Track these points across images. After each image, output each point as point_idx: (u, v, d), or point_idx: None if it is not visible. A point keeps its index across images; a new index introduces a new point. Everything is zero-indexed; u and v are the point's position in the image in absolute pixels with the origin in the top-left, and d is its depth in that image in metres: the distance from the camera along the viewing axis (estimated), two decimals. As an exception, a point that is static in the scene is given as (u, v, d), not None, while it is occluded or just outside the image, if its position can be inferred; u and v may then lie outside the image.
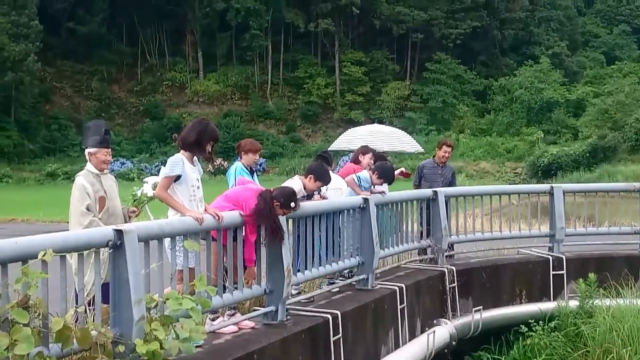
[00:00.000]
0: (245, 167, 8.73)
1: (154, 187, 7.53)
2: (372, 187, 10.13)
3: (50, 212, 25.83)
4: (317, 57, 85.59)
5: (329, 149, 14.41)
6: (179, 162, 6.73)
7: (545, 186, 14.21)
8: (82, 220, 7.17)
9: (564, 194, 13.27)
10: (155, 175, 7.92)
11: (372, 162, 10.74)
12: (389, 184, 10.30)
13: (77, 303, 5.40)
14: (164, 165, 6.98)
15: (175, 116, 76.48)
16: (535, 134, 71.79)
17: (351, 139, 15.15)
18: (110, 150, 7.68)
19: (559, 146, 66.65)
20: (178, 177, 6.70)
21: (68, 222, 7.43)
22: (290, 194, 7.29)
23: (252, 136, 72.05)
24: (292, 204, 7.22)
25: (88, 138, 7.66)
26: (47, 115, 74.84)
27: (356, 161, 10.84)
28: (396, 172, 11.71)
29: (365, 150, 10.98)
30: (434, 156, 13.02)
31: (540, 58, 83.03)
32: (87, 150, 7.59)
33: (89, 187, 7.34)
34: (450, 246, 12.24)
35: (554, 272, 12.49)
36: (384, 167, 10.37)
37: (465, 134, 76.50)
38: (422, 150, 16.45)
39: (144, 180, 8.12)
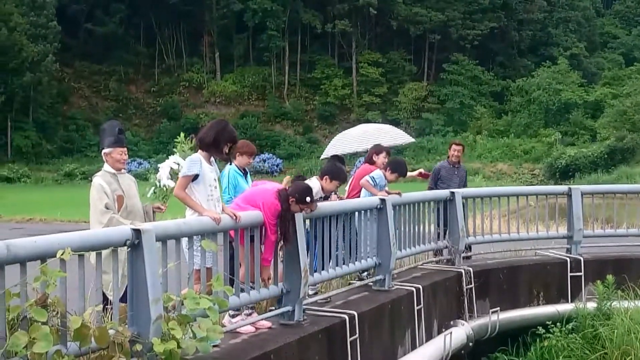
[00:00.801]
0: (239, 168, 8.64)
1: (172, 174, 7.55)
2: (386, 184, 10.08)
3: (67, 212, 26.00)
4: (334, 58, 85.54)
5: (321, 157, 13.82)
6: (197, 161, 6.73)
7: (563, 187, 14.15)
8: (102, 219, 7.22)
9: (582, 195, 13.18)
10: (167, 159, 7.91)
11: (386, 160, 10.62)
12: (403, 176, 10.24)
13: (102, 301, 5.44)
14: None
15: (193, 117, 76.62)
16: (553, 135, 71.37)
17: (343, 142, 14.30)
18: (125, 149, 7.72)
19: (576, 148, 66.27)
20: (196, 177, 6.70)
21: (86, 222, 7.47)
22: (305, 189, 7.25)
23: (268, 137, 72.58)
24: (308, 199, 7.20)
25: (104, 139, 7.75)
26: (65, 116, 75.29)
27: (370, 161, 10.65)
28: (414, 173, 11.65)
29: (378, 149, 10.63)
30: (448, 157, 13.06)
31: (558, 59, 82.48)
32: (103, 152, 7.67)
33: (106, 186, 7.39)
34: (468, 247, 12.20)
35: (572, 274, 12.42)
36: (397, 161, 10.35)
37: (482, 135, 76.20)
38: (413, 140, 16.03)
39: (158, 165, 8.12)
